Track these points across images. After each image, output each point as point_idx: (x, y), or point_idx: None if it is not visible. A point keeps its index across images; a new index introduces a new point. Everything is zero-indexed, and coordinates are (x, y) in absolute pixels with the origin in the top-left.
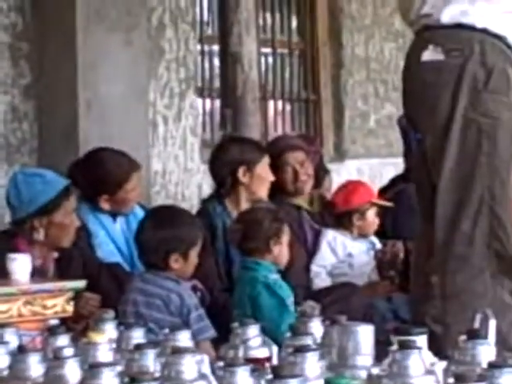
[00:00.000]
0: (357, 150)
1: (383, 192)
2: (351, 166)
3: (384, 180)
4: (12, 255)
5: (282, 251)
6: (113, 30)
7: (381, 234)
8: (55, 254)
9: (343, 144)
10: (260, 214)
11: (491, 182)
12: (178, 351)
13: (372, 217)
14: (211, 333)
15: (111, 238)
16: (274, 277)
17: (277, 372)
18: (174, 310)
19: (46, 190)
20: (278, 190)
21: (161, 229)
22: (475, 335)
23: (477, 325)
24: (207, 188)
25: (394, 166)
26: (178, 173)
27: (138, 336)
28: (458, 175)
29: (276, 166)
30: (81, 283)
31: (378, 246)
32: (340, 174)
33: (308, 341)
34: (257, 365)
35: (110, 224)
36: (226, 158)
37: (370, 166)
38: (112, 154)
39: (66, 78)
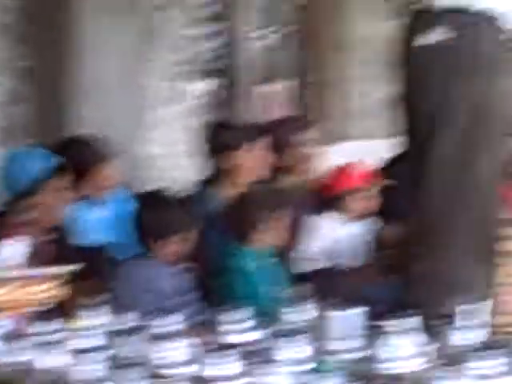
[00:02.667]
0: (353, 132)
1: (381, 172)
2: (345, 148)
3: (379, 161)
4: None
5: (276, 235)
6: None
7: (378, 215)
8: (50, 236)
9: (338, 126)
10: (252, 198)
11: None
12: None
13: (370, 198)
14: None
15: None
16: (256, 264)
17: (266, 355)
18: None
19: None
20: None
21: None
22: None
23: (462, 308)
24: None
25: (390, 147)
26: None
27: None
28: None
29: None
30: (74, 267)
31: (372, 227)
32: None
33: (297, 324)
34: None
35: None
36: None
37: (367, 148)
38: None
39: None
